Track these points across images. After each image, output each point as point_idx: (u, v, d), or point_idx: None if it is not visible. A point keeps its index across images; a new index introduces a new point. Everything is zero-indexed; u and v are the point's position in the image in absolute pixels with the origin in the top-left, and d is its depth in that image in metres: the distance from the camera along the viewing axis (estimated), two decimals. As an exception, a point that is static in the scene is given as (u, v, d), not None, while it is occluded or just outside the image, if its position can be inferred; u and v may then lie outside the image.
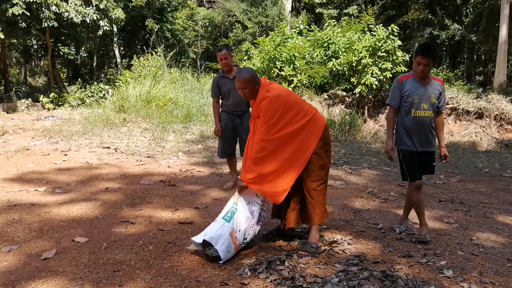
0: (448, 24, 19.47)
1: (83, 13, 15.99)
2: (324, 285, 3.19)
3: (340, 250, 3.87)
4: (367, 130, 12.08)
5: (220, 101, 5.79)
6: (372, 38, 13.36)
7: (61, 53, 23.21)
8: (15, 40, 16.49)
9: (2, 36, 14.41)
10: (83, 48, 24.33)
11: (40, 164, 6.91)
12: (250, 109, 5.88)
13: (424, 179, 6.31)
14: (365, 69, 13.40)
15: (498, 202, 5.67)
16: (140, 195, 5.39)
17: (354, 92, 13.81)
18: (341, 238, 4.14)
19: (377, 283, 3.20)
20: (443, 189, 6.24)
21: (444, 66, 18.31)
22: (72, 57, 25.09)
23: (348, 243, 4.02)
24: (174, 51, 17.84)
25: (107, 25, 17.12)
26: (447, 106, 13.62)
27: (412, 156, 4.20)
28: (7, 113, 14.26)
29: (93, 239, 4.01)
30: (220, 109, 5.77)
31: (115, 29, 20.70)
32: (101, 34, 17.98)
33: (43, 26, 15.56)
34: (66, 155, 7.69)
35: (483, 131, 12.88)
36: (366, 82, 13.20)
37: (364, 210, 5.12)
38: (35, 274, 3.36)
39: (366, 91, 13.58)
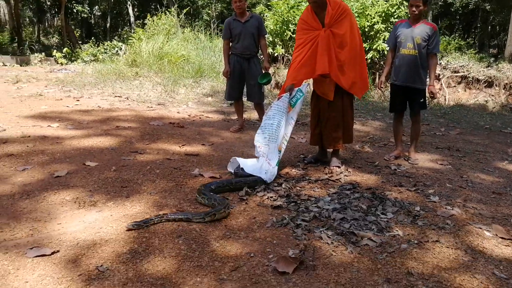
0: (462, -9, 19.09)
1: (97, -31, 15.95)
2: (317, 202, 3.36)
3: (335, 179, 4.02)
4: (377, 93, 12.11)
5: (231, 44, 5.87)
6: (385, 3, 13.21)
7: (75, 11, 23.18)
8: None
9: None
10: (96, 7, 24.27)
11: (53, 106, 7.08)
12: (259, 54, 5.98)
13: (424, 130, 6.44)
14: (378, 35, 13.30)
15: (493, 151, 5.73)
16: (150, 133, 5.55)
17: (366, 57, 13.75)
18: (338, 172, 4.28)
19: (366, 202, 3.37)
20: (441, 139, 6.31)
21: (457, 35, 17.99)
22: (85, 15, 25.05)
23: (345, 175, 4.17)
24: (187, 9, 17.73)
25: (121, -18, 17.06)
26: (457, 74, 13.56)
27: (396, 91, 4.87)
28: (21, 65, 14.44)
29: (103, 164, 4.20)
30: (230, 52, 5.85)
31: (129, -12, 20.61)
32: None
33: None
34: (78, 100, 7.85)
35: (492, 99, 12.85)
36: (378, 48, 13.12)
37: (363, 152, 5.24)
38: (48, 187, 3.56)
39: (377, 56, 13.51)
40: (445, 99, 13.26)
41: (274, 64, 14.17)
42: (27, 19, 30.63)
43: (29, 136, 5.08)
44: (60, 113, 6.59)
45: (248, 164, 4.01)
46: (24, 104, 7.19)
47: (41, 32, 29.88)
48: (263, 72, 5.74)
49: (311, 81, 4.53)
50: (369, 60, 13.48)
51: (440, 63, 14.01)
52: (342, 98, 4.30)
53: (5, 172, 3.87)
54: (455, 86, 14.13)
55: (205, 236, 2.80)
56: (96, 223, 2.92)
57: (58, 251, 2.54)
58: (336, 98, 4.26)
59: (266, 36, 13.73)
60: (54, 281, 2.26)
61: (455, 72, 14.02)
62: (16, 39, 20.28)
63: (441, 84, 13.95)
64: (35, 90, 8.76)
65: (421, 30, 4.58)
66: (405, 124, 5.97)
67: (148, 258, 2.51)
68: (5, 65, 13.93)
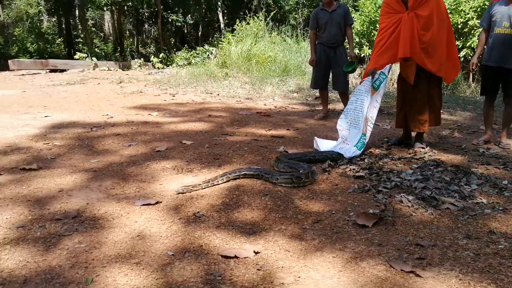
0: None
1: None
2: (399, 174, 3.43)
3: (419, 158, 4.02)
4: (468, 88, 11.63)
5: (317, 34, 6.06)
6: (482, -2, 12.63)
7: (170, 20, 24.66)
8: (130, 3, 17.89)
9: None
10: (189, 16, 25.63)
11: (152, 100, 7.73)
12: (345, 43, 6.11)
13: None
14: (472, 31, 12.73)
15: None
16: (239, 120, 5.90)
17: (459, 55, 13.21)
18: (422, 152, 4.25)
19: (449, 174, 3.35)
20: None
21: None
22: (179, 24, 26.50)
23: (429, 155, 4.14)
24: (274, 12, 18.16)
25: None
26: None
27: (488, 72, 4.72)
28: (123, 70, 15.72)
29: (197, 142, 4.58)
30: (316, 42, 6.04)
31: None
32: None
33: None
34: (174, 96, 8.48)
35: None
36: (472, 45, 12.56)
37: (450, 137, 5.14)
38: (150, 158, 3.98)
39: (471, 54, 12.92)
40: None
41: (361, 66, 14.09)
42: (127, 32, 33.05)
43: (132, 121, 5.65)
44: (158, 105, 7.18)
45: (324, 145, 4.26)
46: (127, 98, 7.91)
47: (139, 43, 32.10)
48: (349, 60, 5.85)
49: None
50: (462, 58, 12.94)
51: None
52: (429, 81, 4.25)
53: (114, 147, 4.38)
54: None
55: (289, 196, 3.02)
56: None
57: (161, 202, 2.90)
58: (421, 80, 4.24)
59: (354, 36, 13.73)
60: (158, 222, 2.60)
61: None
62: (119, 49, 22.00)
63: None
64: (136, 88, 9.56)
65: None
66: (498, 115, 5.78)
67: (238, 209, 2.77)
68: (110, 70, 15.26)
